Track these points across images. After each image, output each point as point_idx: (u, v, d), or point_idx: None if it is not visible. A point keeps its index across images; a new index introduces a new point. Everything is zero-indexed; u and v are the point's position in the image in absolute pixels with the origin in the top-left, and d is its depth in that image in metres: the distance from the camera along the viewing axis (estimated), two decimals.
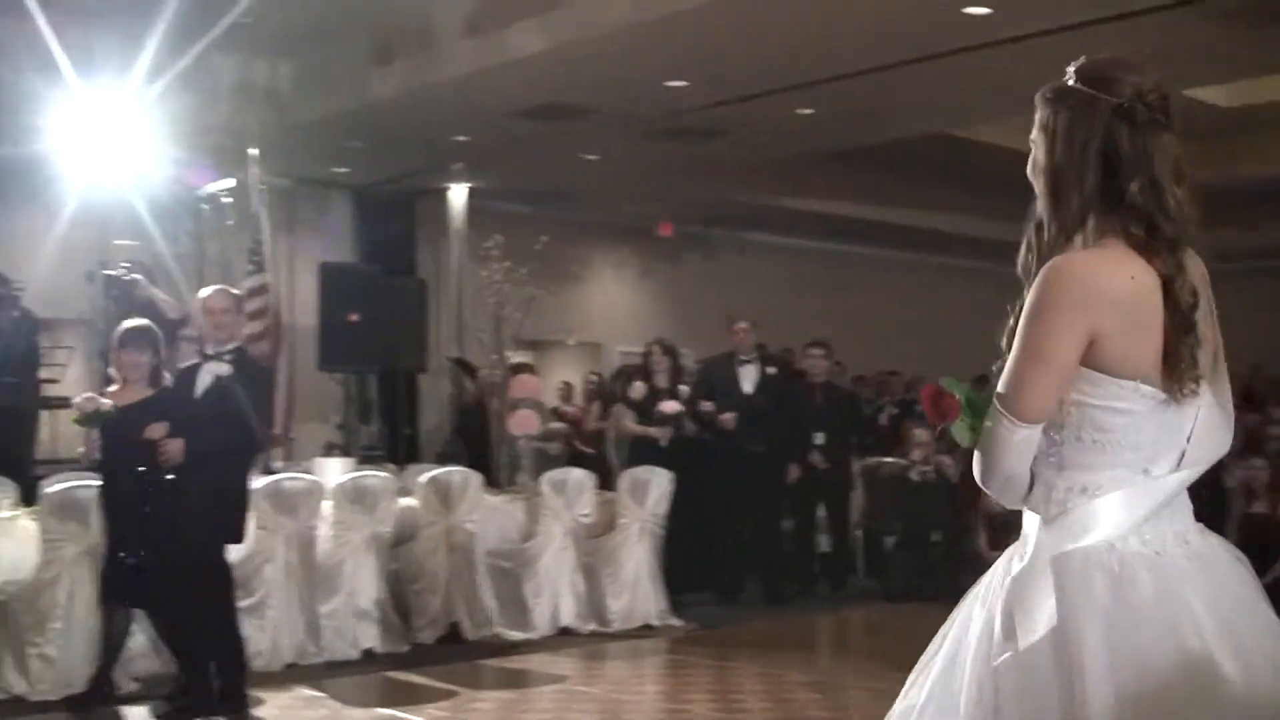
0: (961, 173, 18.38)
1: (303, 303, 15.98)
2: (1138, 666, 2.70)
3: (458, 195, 18.67)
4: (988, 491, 2.97)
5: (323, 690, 8.89)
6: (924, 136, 16.26)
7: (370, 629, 10.03)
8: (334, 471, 10.68)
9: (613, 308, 21.78)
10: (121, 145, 12.87)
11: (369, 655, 9.93)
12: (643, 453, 12.33)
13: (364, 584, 10.02)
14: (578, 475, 11.52)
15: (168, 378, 8.42)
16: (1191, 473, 2.89)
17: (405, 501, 10.71)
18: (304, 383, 14.97)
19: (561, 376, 19.24)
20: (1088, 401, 2.82)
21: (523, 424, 12.21)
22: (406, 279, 16.94)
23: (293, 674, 9.35)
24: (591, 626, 11.19)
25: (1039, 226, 2.95)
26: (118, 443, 8.15)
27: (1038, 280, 2.84)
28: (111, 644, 8.35)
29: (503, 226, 13.50)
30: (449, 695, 8.81)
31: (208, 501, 7.96)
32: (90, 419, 8.21)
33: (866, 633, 12.30)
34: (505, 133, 15.29)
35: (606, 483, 11.98)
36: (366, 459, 13.29)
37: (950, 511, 12.99)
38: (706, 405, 12.68)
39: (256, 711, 8.25)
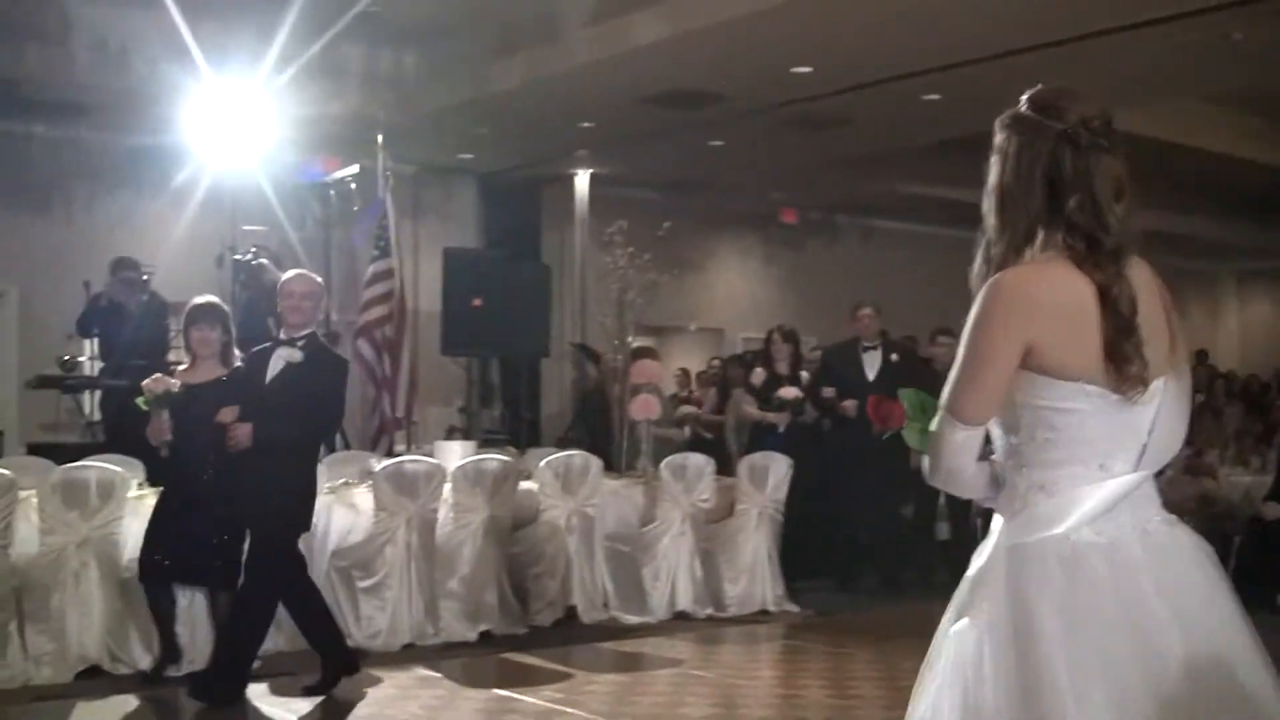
0: None
1: (427, 287, 16.15)
2: (1092, 642, 2.88)
3: (582, 181, 18.75)
4: (935, 485, 3.26)
5: (439, 671, 8.97)
6: None
7: (488, 611, 10.11)
8: (455, 454, 10.70)
9: (735, 294, 21.77)
10: (251, 133, 13.09)
11: (486, 637, 10.01)
12: (762, 439, 12.33)
13: (483, 566, 10.11)
14: (697, 460, 11.52)
15: (238, 355, 8.39)
16: (1149, 470, 3.10)
17: (525, 485, 10.77)
18: (427, 366, 15.15)
19: (684, 362, 19.29)
20: (1038, 403, 3.03)
21: (643, 409, 12.22)
22: (530, 264, 17.02)
23: (411, 654, 9.47)
24: (708, 611, 11.20)
25: (988, 244, 3.17)
26: (185, 421, 8.09)
27: (980, 294, 3.08)
28: (160, 616, 8.37)
29: (626, 212, 13.51)
30: (565, 678, 8.86)
31: (273, 488, 7.90)
32: (159, 400, 8.05)
33: None
34: (629, 120, 15.34)
35: (725, 468, 11.98)
36: (488, 442, 13.41)
37: None
38: (828, 391, 12.64)
39: (375, 690, 8.38)
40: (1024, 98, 3.20)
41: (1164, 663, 2.88)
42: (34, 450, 12.05)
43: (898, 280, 19.58)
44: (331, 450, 13.00)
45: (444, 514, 10.07)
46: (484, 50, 14.48)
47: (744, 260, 22.11)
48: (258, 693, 8.16)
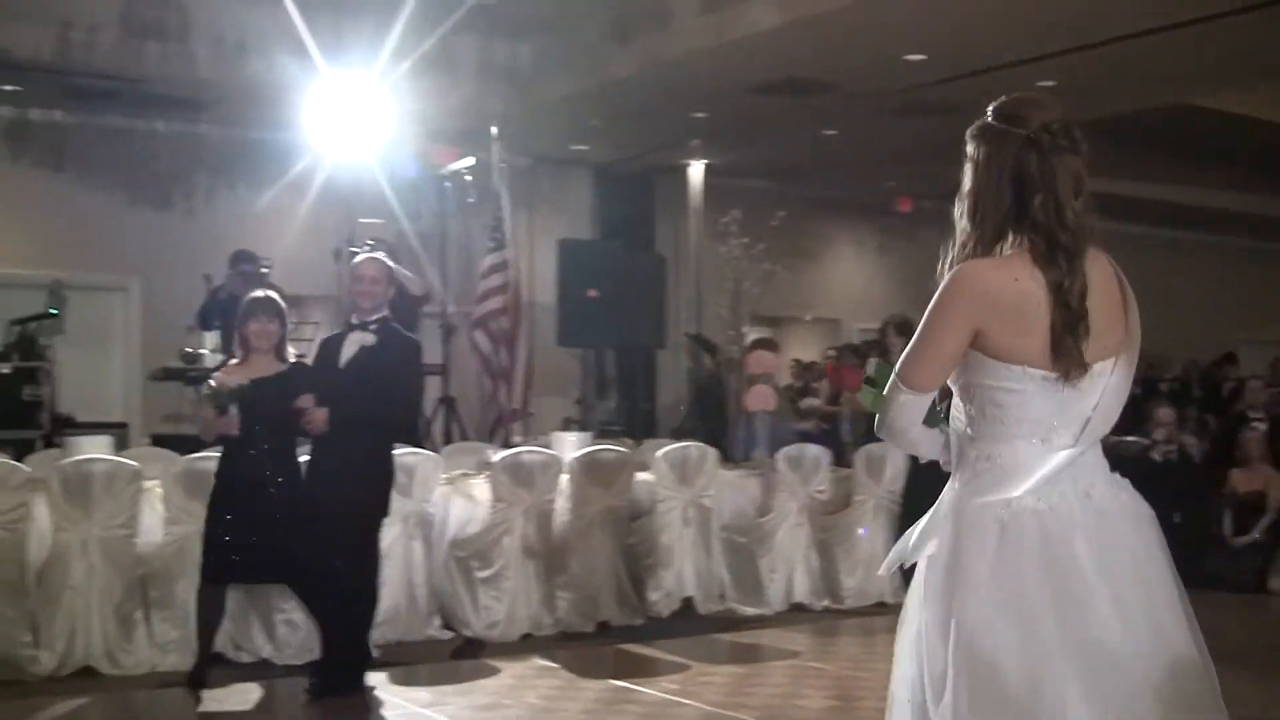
0: (1205, 145, 17.88)
1: (542, 279, 16.20)
2: (1018, 598, 3.17)
3: (696, 171, 18.73)
4: (881, 438, 3.57)
5: (557, 661, 9.00)
6: (1167, 108, 15.83)
7: (605, 602, 10.13)
8: (572, 445, 10.72)
9: (850, 283, 21.67)
10: (367, 126, 13.19)
11: (603, 628, 10.04)
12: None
13: (600, 557, 10.14)
14: (813, 451, 11.47)
15: (292, 352, 8.37)
16: (1087, 445, 3.36)
17: (642, 476, 10.77)
18: (543, 358, 15.18)
19: (800, 353, 19.21)
20: (986, 383, 3.36)
21: (759, 399, 12.18)
22: (645, 255, 16.98)
23: (528, 644, 9.52)
24: (825, 603, 11.16)
25: (960, 246, 3.43)
26: (252, 415, 8.00)
27: (942, 282, 3.38)
28: (207, 622, 8.24)
29: (741, 202, 13.48)
30: (681, 669, 8.85)
31: (352, 473, 7.89)
32: (230, 395, 7.98)
33: None
34: (743, 109, 15.31)
35: (840, 459, 11.91)
36: (604, 433, 13.39)
37: (1193, 493, 12.59)
38: None
39: (492, 680, 8.44)
40: (989, 109, 3.43)
41: (1088, 618, 3.16)
42: (157, 441, 12.20)
43: None
44: (448, 441, 13.12)
45: (561, 505, 10.10)
46: (598, 40, 14.52)
47: (859, 250, 22.00)
48: (377, 680, 8.23)
